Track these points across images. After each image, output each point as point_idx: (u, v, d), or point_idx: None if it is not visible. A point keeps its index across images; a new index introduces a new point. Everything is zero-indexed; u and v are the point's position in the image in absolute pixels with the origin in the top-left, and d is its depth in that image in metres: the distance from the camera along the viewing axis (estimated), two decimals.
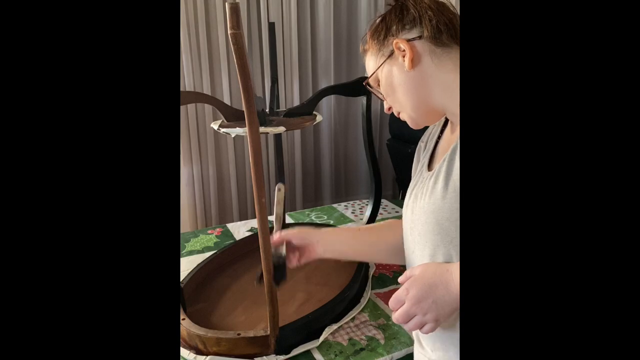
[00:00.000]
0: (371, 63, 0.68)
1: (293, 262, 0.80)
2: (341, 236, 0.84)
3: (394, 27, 0.63)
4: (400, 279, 0.62)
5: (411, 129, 0.69)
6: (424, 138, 0.77)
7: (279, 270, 0.78)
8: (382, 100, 0.70)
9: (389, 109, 0.69)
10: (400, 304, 0.59)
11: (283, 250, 0.78)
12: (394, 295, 0.60)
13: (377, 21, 0.66)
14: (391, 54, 0.63)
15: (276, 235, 0.79)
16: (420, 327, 0.58)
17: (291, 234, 0.79)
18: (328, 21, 2.14)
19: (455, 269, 0.56)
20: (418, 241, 0.65)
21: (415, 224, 0.66)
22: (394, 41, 0.62)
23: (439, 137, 0.71)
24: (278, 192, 1.06)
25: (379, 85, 0.68)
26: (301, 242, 0.79)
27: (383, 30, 0.64)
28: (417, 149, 0.78)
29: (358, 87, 1.08)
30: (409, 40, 0.61)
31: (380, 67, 0.65)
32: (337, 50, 2.22)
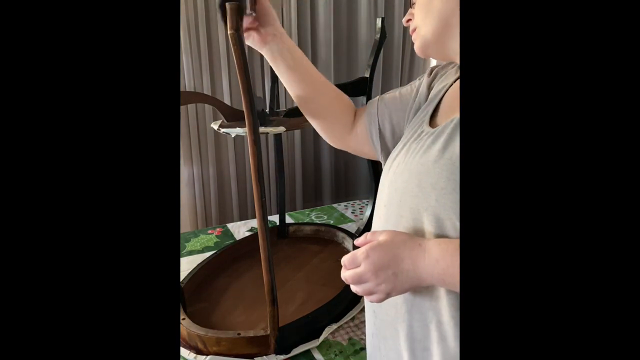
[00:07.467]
0: None
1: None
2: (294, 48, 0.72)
3: None
4: (358, 242, 0.56)
5: None
6: (430, 72, 0.70)
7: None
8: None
9: (408, 21, 0.64)
10: (355, 265, 0.53)
11: None
12: (350, 254, 0.54)
13: None
14: None
15: None
16: (369, 294, 0.53)
17: None
18: (328, 21, 2.14)
19: (430, 247, 0.50)
20: (394, 197, 0.59)
21: (396, 178, 0.60)
22: None
23: (446, 91, 0.64)
24: None
25: None
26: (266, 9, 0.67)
27: None
28: (420, 80, 0.71)
29: (358, 87, 1.08)
30: None
31: None
32: (337, 50, 2.21)
